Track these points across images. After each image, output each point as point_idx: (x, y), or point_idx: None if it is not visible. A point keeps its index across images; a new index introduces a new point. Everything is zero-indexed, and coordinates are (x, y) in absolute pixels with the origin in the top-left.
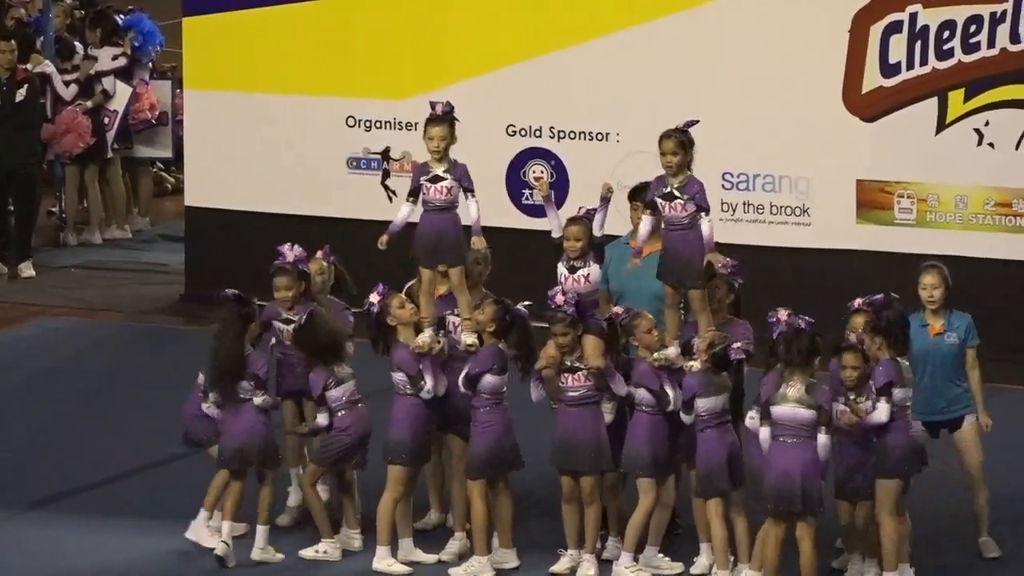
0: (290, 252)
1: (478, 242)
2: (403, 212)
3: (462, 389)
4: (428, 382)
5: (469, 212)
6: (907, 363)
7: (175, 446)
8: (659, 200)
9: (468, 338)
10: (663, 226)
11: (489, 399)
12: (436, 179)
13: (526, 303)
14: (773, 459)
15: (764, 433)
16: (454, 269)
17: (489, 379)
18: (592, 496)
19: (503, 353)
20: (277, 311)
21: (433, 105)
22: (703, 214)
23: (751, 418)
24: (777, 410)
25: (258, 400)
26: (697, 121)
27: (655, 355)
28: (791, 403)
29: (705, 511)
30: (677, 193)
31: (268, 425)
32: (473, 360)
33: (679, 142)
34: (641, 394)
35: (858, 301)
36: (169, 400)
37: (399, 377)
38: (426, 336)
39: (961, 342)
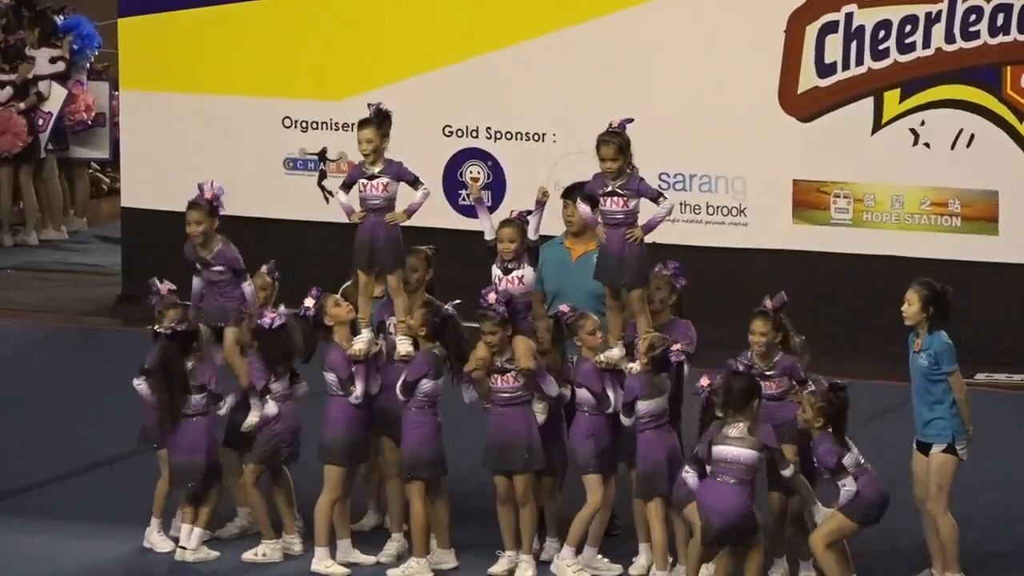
0: (208, 189)
1: (398, 216)
2: (343, 197)
3: (400, 396)
4: (358, 387)
5: (414, 197)
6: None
7: (114, 448)
8: (601, 198)
9: (403, 347)
10: (600, 223)
11: (423, 400)
12: (372, 176)
13: (455, 302)
14: (704, 496)
15: (691, 478)
16: (391, 273)
17: (425, 384)
18: (526, 497)
19: (438, 357)
20: (196, 248)
21: (370, 106)
22: (662, 198)
23: (687, 472)
24: (718, 449)
25: (222, 411)
26: (631, 120)
27: (599, 357)
28: (733, 442)
29: (645, 512)
30: (620, 191)
31: (213, 440)
32: (409, 367)
33: (618, 147)
34: (582, 394)
35: (767, 302)
36: (106, 402)
37: (331, 378)
38: (363, 344)
39: (932, 364)
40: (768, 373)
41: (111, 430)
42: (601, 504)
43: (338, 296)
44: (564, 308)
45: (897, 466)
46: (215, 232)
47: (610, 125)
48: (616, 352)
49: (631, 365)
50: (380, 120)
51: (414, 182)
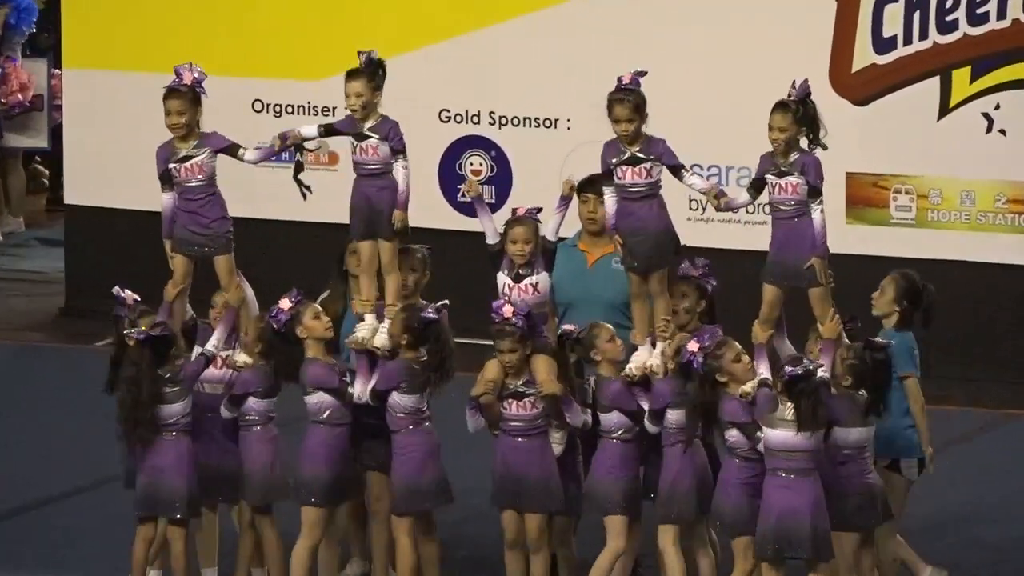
0: (188, 73)
1: (398, 217)
2: (306, 129)
3: (369, 401)
4: (358, 386)
5: (396, 178)
6: (862, 396)
7: (59, 481)
8: (617, 168)
9: (379, 339)
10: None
11: (405, 420)
12: (361, 137)
13: (442, 302)
14: (774, 498)
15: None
16: (386, 243)
17: (398, 398)
18: (540, 540)
19: (414, 369)
20: (174, 149)
21: (360, 55)
22: (683, 171)
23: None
24: (774, 435)
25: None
26: (645, 72)
27: (627, 371)
28: (790, 425)
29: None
30: (641, 155)
31: (195, 465)
32: (379, 374)
33: (634, 106)
34: (614, 419)
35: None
36: (49, 429)
37: (314, 400)
38: (365, 331)
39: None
40: (785, 170)
41: (51, 463)
42: (622, 551)
43: (318, 307)
44: (568, 327)
45: (958, 502)
46: (197, 125)
47: (619, 81)
48: (643, 354)
49: (653, 362)
50: (372, 71)
51: (396, 151)
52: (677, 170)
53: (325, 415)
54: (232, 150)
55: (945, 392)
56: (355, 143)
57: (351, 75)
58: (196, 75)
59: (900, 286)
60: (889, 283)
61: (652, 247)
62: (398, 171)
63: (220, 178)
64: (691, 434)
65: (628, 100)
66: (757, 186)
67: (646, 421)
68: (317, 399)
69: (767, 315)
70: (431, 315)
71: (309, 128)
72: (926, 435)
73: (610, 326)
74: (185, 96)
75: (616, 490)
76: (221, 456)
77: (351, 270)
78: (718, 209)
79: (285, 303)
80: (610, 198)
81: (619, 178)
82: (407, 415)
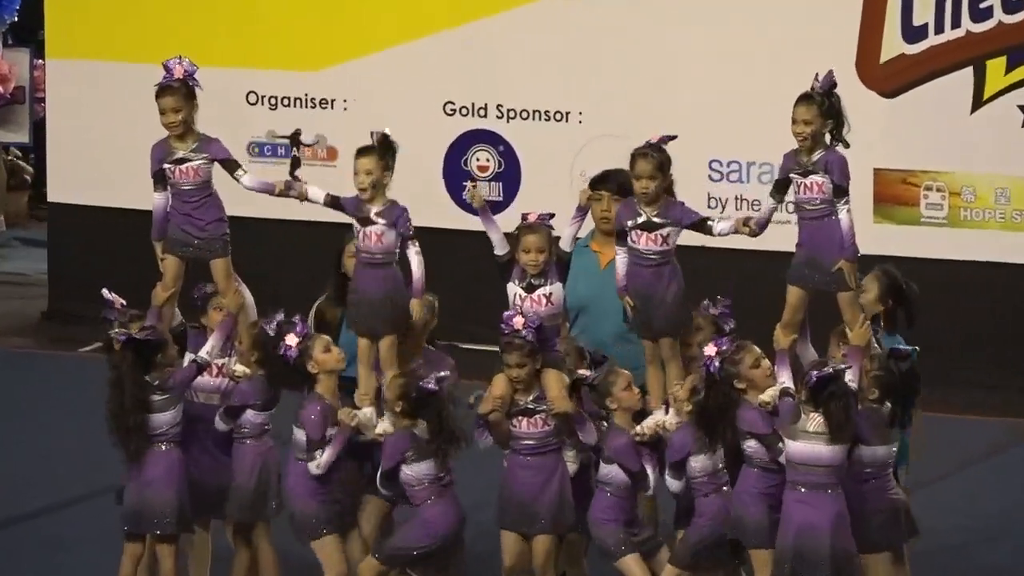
0: (178, 67)
1: (415, 308)
2: (313, 191)
3: (381, 490)
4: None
5: (410, 265)
6: (886, 409)
7: (48, 490)
8: (632, 231)
9: (382, 425)
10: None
11: (424, 491)
12: (367, 222)
13: (443, 373)
14: (792, 514)
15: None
16: (386, 339)
17: (409, 471)
18: (547, 565)
19: (417, 437)
20: (170, 148)
21: (372, 134)
22: (708, 222)
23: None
24: (797, 447)
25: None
26: (674, 136)
27: (637, 429)
28: (815, 438)
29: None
30: (658, 220)
31: (185, 477)
32: (383, 454)
33: (657, 163)
34: (612, 473)
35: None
36: (31, 440)
37: (300, 436)
38: (364, 419)
39: None
40: (809, 169)
41: (33, 477)
42: None
43: (327, 338)
44: (584, 372)
45: (992, 517)
46: (193, 121)
47: (647, 142)
48: (659, 415)
49: (667, 418)
50: (384, 149)
51: (406, 238)
52: (702, 224)
53: (304, 456)
54: (230, 166)
55: (976, 400)
56: (358, 228)
57: (361, 152)
58: (186, 68)
59: (883, 283)
60: (872, 281)
61: (663, 315)
62: (411, 257)
63: (215, 175)
64: (721, 481)
65: (652, 156)
66: (781, 187)
67: (667, 477)
68: (302, 436)
69: (790, 319)
70: (431, 387)
71: (316, 192)
72: (916, 448)
73: (628, 372)
74: (178, 92)
75: (613, 534)
76: (214, 469)
77: (349, 272)
78: (753, 234)
79: (292, 339)
80: (621, 258)
81: (633, 242)
82: (424, 485)
